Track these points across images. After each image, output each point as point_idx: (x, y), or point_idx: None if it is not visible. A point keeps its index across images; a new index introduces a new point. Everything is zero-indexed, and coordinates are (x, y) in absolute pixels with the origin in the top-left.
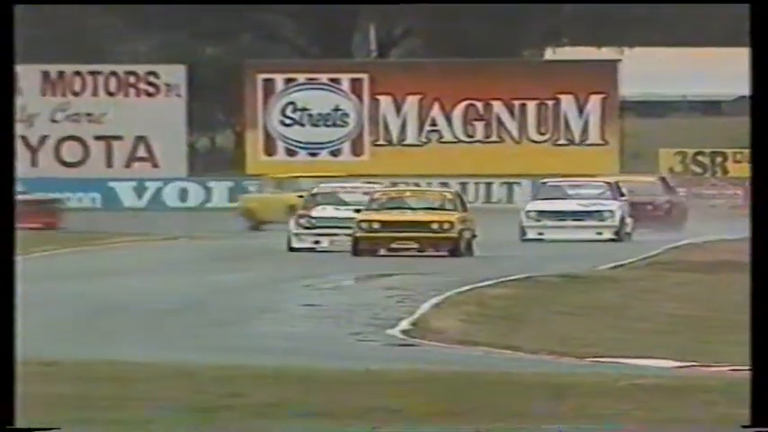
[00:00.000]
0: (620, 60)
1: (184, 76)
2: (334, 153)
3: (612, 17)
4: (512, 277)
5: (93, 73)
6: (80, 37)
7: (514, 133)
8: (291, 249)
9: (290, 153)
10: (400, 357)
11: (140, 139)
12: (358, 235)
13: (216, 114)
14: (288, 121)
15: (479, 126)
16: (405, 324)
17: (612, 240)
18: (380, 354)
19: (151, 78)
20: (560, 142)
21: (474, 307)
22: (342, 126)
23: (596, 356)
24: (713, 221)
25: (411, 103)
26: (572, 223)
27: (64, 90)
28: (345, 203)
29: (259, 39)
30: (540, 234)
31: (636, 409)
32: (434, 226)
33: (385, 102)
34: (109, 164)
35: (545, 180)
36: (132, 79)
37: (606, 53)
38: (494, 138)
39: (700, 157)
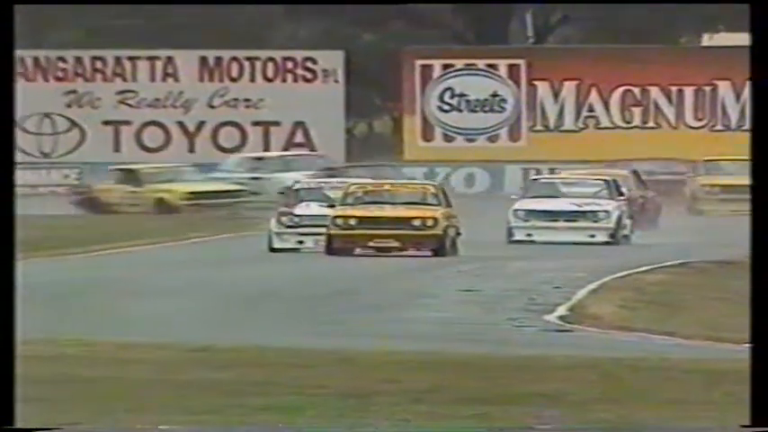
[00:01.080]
0: None
1: (342, 61)
2: (492, 139)
3: None
4: (668, 263)
5: (250, 59)
6: (238, 23)
7: (671, 119)
8: (272, 250)
9: (448, 139)
10: (557, 343)
11: (298, 124)
12: (332, 232)
13: (373, 100)
14: (445, 107)
15: (636, 112)
16: (562, 310)
17: (607, 243)
18: (537, 339)
19: (309, 64)
20: (717, 128)
21: (631, 293)
22: (499, 112)
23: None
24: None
25: (568, 88)
26: (564, 224)
27: (221, 76)
28: (331, 200)
29: (415, 25)
30: (529, 235)
31: None
32: (416, 222)
33: (542, 87)
34: (266, 149)
35: (536, 176)
36: (290, 65)
37: None
38: (651, 123)
39: None
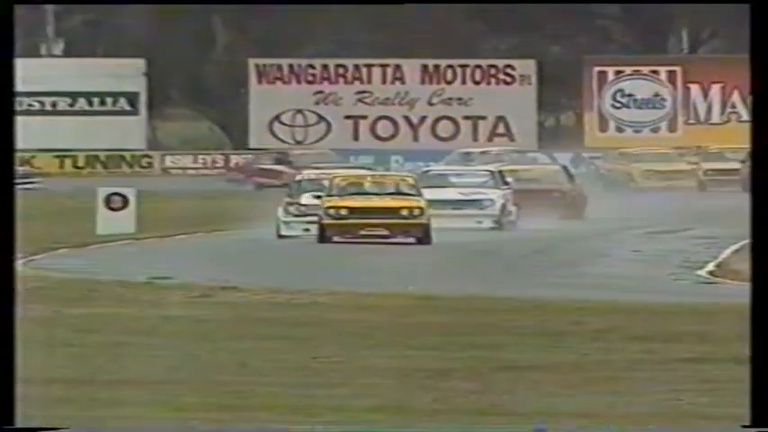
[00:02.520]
0: None
1: (534, 68)
2: (654, 130)
3: None
4: None
5: (462, 66)
6: (453, 37)
7: None
8: (281, 236)
9: (619, 130)
10: (707, 293)
11: (500, 118)
12: (325, 222)
13: (560, 99)
14: (617, 105)
15: None
16: (710, 266)
17: (492, 229)
18: (691, 290)
19: (508, 70)
20: None
21: None
22: (660, 108)
23: None
24: None
25: (715, 90)
26: (452, 212)
27: (439, 79)
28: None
29: (593, 38)
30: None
31: None
32: (404, 212)
33: (694, 89)
34: (474, 138)
35: (427, 168)
36: (493, 71)
37: None
38: None
39: None
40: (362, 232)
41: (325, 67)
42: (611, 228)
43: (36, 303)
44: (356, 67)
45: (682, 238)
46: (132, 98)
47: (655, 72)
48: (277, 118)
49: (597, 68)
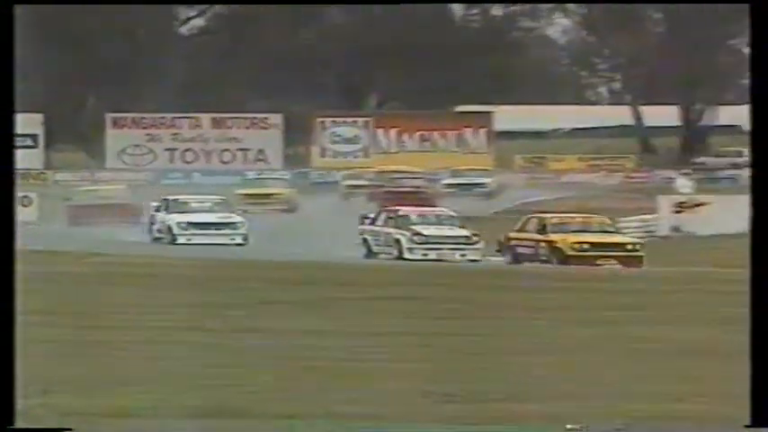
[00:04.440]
0: (494, 112)
1: (281, 119)
2: (355, 157)
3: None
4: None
5: (237, 118)
6: (232, 101)
7: (443, 147)
8: (402, 259)
9: (334, 157)
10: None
11: (260, 150)
12: (570, 253)
13: (297, 137)
14: (333, 141)
15: (425, 144)
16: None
17: (240, 245)
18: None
19: (265, 121)
20: (466, 151)
21: None
22: (357, 144)
23: None
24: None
25: (392, 132)
26: (213, 231)
27: (223, 126)
28: (443, 222)
29: (318, 101)
30: (189, 239)
31: None
32: (629, 247)
33: (380, 131)
34: (244, 162)
35: (175, 197)
36: (256, 121)
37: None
38: (431, 149)
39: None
40: (598, 262)
41: (153, 119)
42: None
43: None
44: (171, 119)
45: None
46: (34, 138)
47: (355, 121)
48: (123, 150)
49: (320, 119)
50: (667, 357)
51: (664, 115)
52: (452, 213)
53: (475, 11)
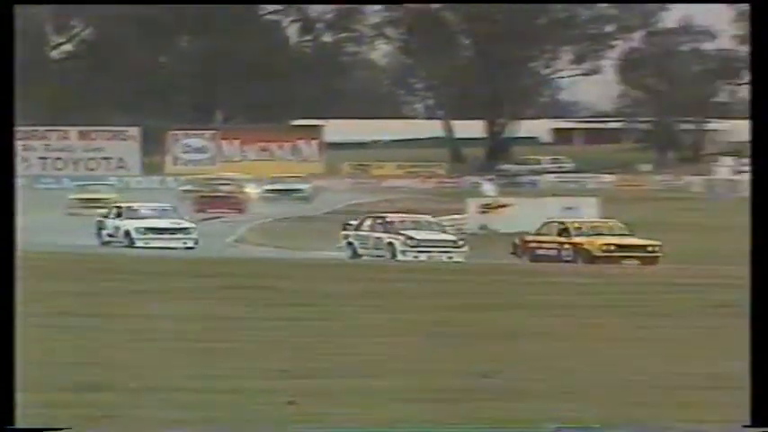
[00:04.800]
0: (324, 125)
1: (138, 132)
2: (205, 164)
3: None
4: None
5: (100, 132)
6: (100, 118)
7: (281, 155)
8: (394, 258)
9: (185, 165)
10: (238, 252)
11: (120, 159)
12: (597, 254)
13: (155, 149)
14: (185, 151)
15: (263, 154)
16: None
17: (191, 248)
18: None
19: (125, 134)
20: (300, 160)
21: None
22: (206, 153)
23: None
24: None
25: (235, 143)
26: (169, 236)
27: (88, 139)
28: (435, 228)
29: (170, 116)
30: (147, 243)
31: None
32: (649, 248)
33: (225, 143)
34: (107, 169)
35: (130, 205)
36: (116, 134)
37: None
38: (268, 158)
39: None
40: (624, 263)
41: (26, 132)
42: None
43: None
44: (43, 131)
45: (245, 222)
46: None
47: (203, 134)
48: None
49: (173, 132)
50: (461, 339)
51: (471, 128)
52: (434, 220)
53: (308, 37)
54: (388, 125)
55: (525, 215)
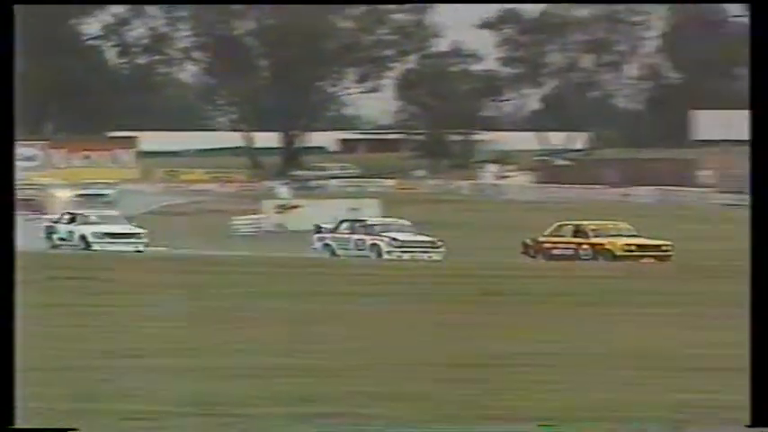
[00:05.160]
0: (139, 136)
1: None
2: (28, 171)
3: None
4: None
5: None
6: None
7: (102, 163)
8: (380, 257)
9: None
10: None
11: None
12: (619, 254)
13: None
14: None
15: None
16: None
17: (139, 252)
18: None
19: None
20: (119, 167)
21: None
22: (35, 161)
23: None
24: None
25: (80, 152)
26: (123, 240)
27: None
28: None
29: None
30: (103, 247)
31: None
32: (663, 248)
33: (53, 151)
34: None
35: (80, 212)
36: None
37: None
38: (91, 164)
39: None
40: (642, 261)
41: None
42: None
43: None
44: None
45: None
46: None
47: (34, 144)
48: None
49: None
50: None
51: (269, 139)
52: (408, 223)
53: (125, 59)
54: (196, 136)
55: (315, 215)
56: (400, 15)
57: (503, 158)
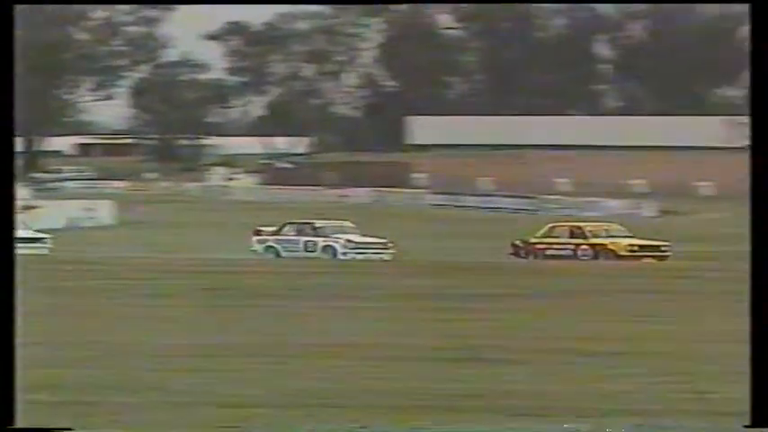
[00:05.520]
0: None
1: None
2: None
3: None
4: None
5: None
6: None
7: None
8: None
9: None
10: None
11: None
12: (623, 253)
13: None
14: None
15: None
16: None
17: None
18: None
19: None
20: None
21: None
22: None
23: None
24: None
25: None
26: (29, 244)
27: None
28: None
29: None
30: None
31: None
32: (662, 248)
33: None
34: None
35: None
36: None
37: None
38: None
39: None
40: (644, 260)
41: None
42: None
43: None
44: None
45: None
46: None
47: None
48: None
49: None
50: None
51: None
52: (352, 225)
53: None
54: None
55: (52, 215)
56: (133, 28)
57: (230, 162)
